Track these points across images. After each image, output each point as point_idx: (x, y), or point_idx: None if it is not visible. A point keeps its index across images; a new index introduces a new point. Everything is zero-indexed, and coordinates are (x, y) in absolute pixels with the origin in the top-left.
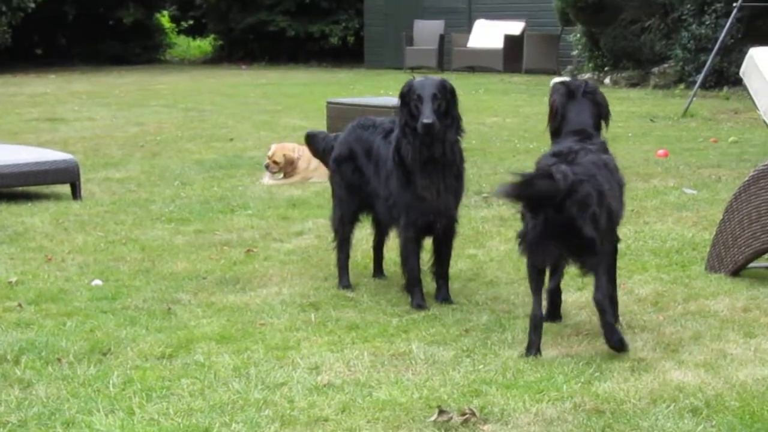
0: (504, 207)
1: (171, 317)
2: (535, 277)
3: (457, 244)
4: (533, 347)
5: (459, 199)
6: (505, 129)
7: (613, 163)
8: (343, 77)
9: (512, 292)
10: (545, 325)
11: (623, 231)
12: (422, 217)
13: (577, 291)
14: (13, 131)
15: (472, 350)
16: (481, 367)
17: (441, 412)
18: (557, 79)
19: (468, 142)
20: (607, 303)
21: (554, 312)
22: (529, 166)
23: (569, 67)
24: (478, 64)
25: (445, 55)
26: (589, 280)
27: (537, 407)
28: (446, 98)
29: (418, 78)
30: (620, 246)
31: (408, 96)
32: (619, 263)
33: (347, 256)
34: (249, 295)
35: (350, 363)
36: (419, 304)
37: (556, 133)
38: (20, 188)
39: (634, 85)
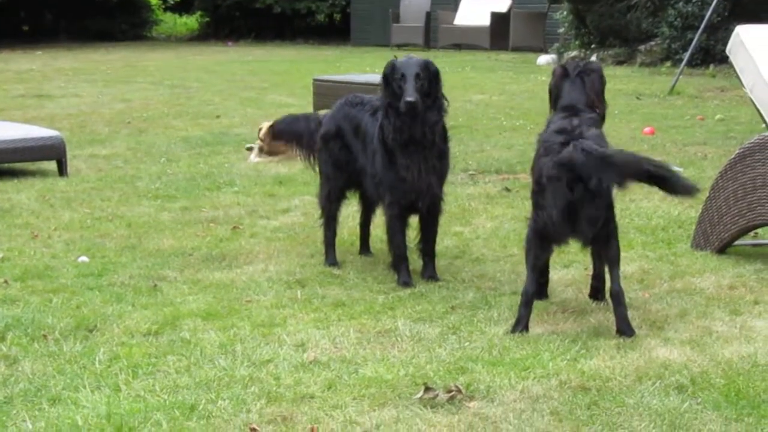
0: (490, 184)
1: (157, 294)
2: (540, 253)
3: (443, 221)
4: (521, 323)
5: (443, 179)
6: (491, 106)
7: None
8: (330, 54)
9: (498, 270)
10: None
11: None
12: (405, 196)
13: (564, 268)
14: None
15: (458, 327)
16: (467, 344)
17: (427, 389)
18: (544, 57)
19: (454, 120)
20: (623, 295)
21: (541, 290)
22: (515, 144)
23: (556, 45)
24: (465, 41)
25: (432, 32)
26: (576, 258)
27: (523, 384)
28: (429, 78)
29: (402, 57)
30: None
31: (391, 75)
32: None
33: (334, 234)
34: (235, 272)
35: (336, 340)
36: (405, 282)
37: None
38: (6, 165)
39: (620, 63)
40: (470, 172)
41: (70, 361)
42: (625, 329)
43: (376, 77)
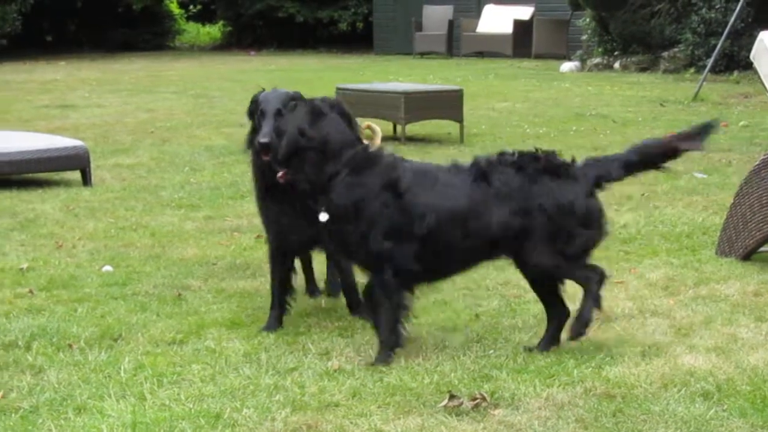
0: None
1: (181, 303)
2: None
3: None
4: None
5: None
6: (514, 114)
7: None
8: (353, 63)
9: (522, 277)
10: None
11: (633, 215)
12: (279, 241)
13: None
14: (24, 118)
15: (482, 335)
16: (491, 351)
17: (452, 397)
18: (567, 65)
19: (477, 127)
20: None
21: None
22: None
23: (579, 52)
24: (488, 49)
25: (455, 40)
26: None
27: (547, 392)
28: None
29: (268, 91)
30: (631, 230)
31: (254, 110)
32: (630, 248)
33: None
34: (259, 281)
35: (360, 348)
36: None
37: None
38: (31, 175)
39: (643, 70)
40: None
41: (96, 370)
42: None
43: (399, 85)
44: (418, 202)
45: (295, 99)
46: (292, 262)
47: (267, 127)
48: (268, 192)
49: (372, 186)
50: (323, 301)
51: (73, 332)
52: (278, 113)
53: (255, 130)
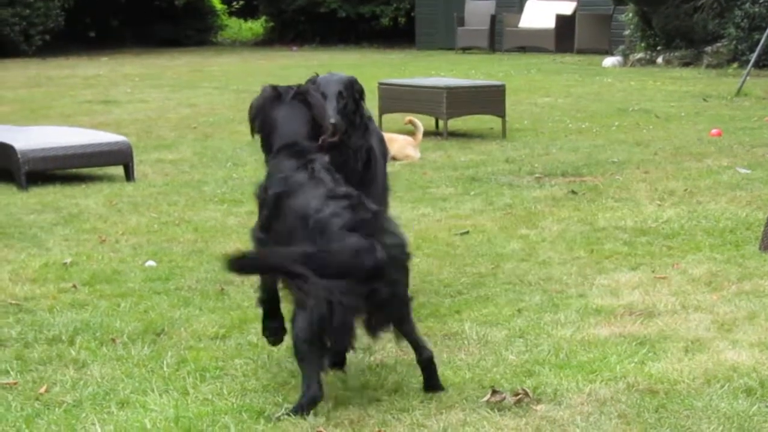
0: (556, 187)
1: (224, 298)
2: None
3: (509, 224)
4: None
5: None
6: (556, 109)
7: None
8: (395, 58)
9: (565, 272)
10: (596, 305)
11: (676, 211)
12: None
13: (631, 270)
14: (66, 113)
15: (524, 330)
16: (534, 347)
17: (494, 392)
18: (610, 59)
19: (520, 123)
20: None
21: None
22: (581, 147)
23: (621, 47)
24: (530, 44)
25: (497, 35)
26: (643, 261)
27: (590, 387)
28: (354, 97)
29: (324, 74)
30: (674, 225)
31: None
32: (672, 243)
33: None
34: None
35: (403, 343)
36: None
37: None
38: (74, 170)
39: (686, 65)
40: (536, 175)
41: (138, 364)
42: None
43: (441, 81)
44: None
45: (353, 83)
46: None
47: (332, 109)
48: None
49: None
50: None
51: (117, 327)
52: (339, 95)
53: None
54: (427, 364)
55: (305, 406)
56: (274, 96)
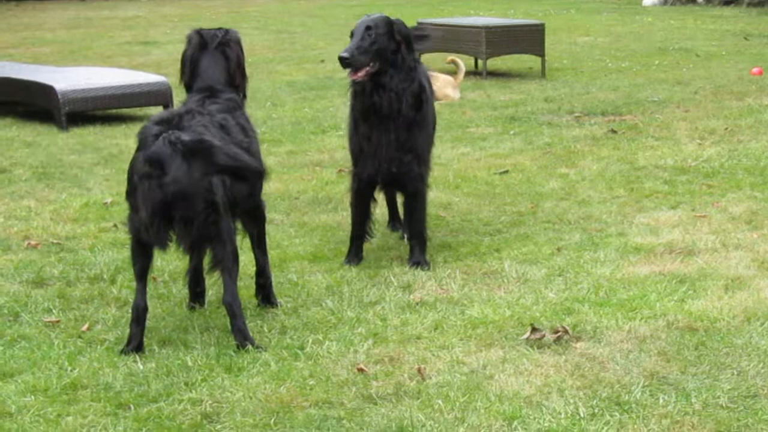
0: (596, 126)
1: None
2: (141, 260)
3: (548, 163)
4: (132, 342)
5: (415, 153)
6: (596, 48)
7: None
8: None
9: (604, 211)
10: (635, 243)
11: (717, 149)
12: (365, 170)
13: (671, 209)
14: (106, 54)
15: (564, 269)
16: (573, 285)
17: (534, 329)
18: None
19: (559, 62)
20: (237, 305)
21: (197, 298)
22: (621, 86)
23: None
24: None
25: None
26: (683, 199)
27: (630, 325)
28: (391, 37)
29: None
30: (714, 164)
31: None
32: (713, 182)
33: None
34: (341, 215)
35: (442, 281)
36: (348, 261)
37: (188, 88)
38: (114, 110)
39: (727, 3)
40: (575, 114)
41: (179, 303)
42: (241, 341)
43: (480, 20)
44: None
45: (392, 24)
46: (373, 193)
47: (351, 44)
48: (361, 121)
49: None
50: (405, 235)
51: (157, 266)
52: (367, 31)
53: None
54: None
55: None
56: (201, 44)
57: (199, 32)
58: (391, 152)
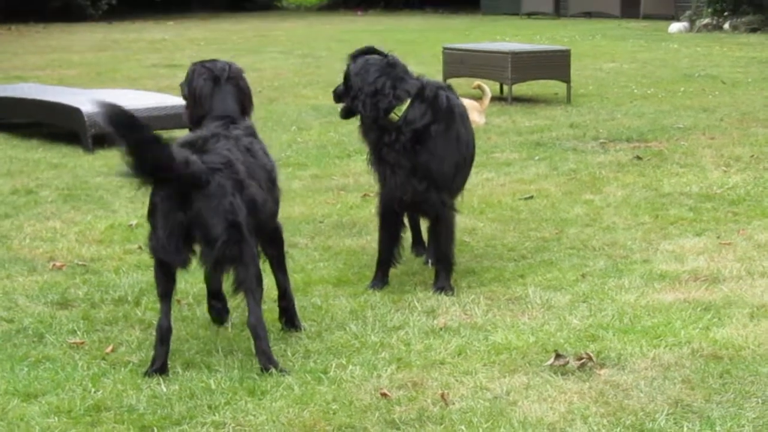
0: (621, 152)
1: (288, 260)
2: (163, 281)
3: (573, 189)
4: (156, 363)
5: (429, 180)
6: (622, 74)
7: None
8: (459, 23)
9: (629, 238)
10: (660, 270)
11: (742, 177)
12: (386, 195)
13: (696, 236)
14: (132, 77)
15: (588, 295)
16: (597, 312)
17: (558, 356)
18: (676, 25)
19: (585, 88)
20: (261, 327)
21: (220, 314)
22: (646, 112)
23: (688, 13)
24: (595, 9)
25: (562, 0)
26: (708, 226)
27: (654, 352)
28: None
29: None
30: (740, 191)
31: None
32: (738, 209)
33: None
34: (365, 239)
35: (466, 307)
36: (372, 285)
37: (197, 121)
38: None
39: (754, 30)
40: (601, 141)
41: (203, 326)
42: (264, 364)
43: (506, 45)
44: None
45: (394, 65)
46: (401, 218)
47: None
48: (382, 147)
49: None
50: (429, 260)
51: (182, 288)
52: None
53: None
54: None
55: None
56: (213, 78)
57: (206, 66)
58: (401, 179)
